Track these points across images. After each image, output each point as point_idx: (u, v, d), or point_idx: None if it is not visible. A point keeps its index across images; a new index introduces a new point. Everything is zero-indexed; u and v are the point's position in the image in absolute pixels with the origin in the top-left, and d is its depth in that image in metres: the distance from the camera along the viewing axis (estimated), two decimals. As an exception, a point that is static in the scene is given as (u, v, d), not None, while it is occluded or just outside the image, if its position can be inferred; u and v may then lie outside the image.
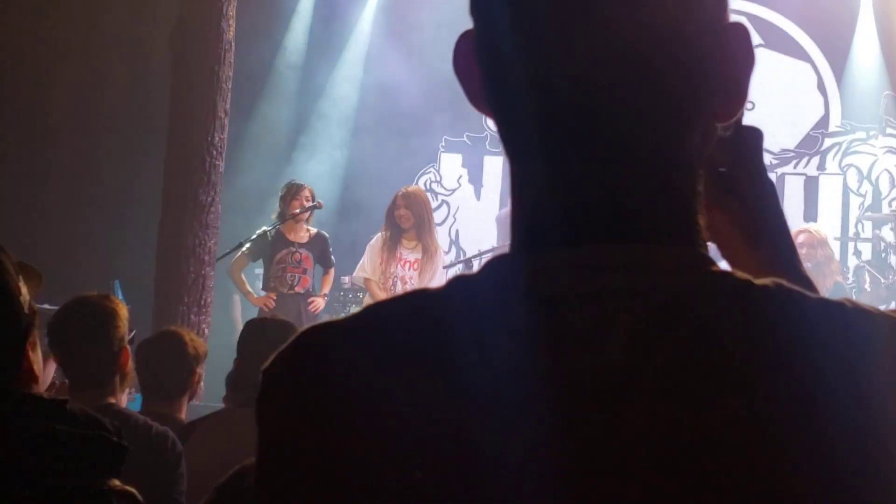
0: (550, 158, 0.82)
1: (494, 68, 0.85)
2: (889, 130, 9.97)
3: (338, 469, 0.77)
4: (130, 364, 3.31)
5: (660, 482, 0.73)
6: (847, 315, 0.80)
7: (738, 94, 0.85)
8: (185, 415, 3.83)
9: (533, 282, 0.79)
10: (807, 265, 2.16)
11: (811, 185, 10.26)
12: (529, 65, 0.82)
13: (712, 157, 0.93)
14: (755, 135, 1.04)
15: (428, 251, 7.72)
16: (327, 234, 8.26)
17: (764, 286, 0.79)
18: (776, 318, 0.78)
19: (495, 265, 0.83)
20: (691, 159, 0.84)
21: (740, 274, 0.81)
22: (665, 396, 0.74)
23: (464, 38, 0.88)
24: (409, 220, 7.69)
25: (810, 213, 10.08)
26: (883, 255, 8.84)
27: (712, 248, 0.93)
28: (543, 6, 0.81)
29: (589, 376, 0.76)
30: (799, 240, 6.86)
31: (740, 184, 1.03)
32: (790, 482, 0.73)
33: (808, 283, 0.98)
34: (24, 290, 1.82)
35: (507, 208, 8.72)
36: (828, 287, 7.34)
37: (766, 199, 1.05)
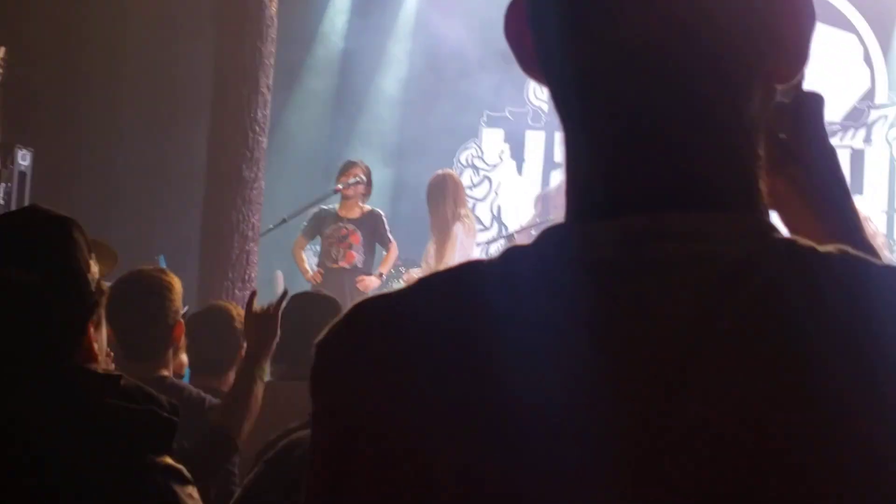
0: (606, 126, 0.80)
1: (545, 34, 0.83)
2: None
3: (395, 442, 0.77)
4: (183, 338, 3.34)
5: (720, 457, 0.71)
6: None
7: (797, 54, 0.83)
8: (232, 388, 3.86)
9: (590, 251, 0.78)
10: None
11: (857, 158, 10.15)
12: (579, 31, 0.80)
13: (773, 123, 0.91)
14: (816, 100, 1.02)
15: (443, 232, 7.74)
16: (382, 213, 8.25)
17: (828, 253, 0.77)
18: (841, 286, 0.76)
19: (551, 235, 0.81)
20: (751, 123, 0.81)
21: (803, 241, 0.78)
22: (730, 368, 0.73)
23: (515, 3, 0.86)
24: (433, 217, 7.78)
25: (856, 186, 9.97)
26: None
27: (774, 217, 0.92)
28: None
29: (651, 346, 0.74)
30: None
31: (802, 150, 1.01)
32: (848, 459, 0.71)
33: (873, 251, 0.95)
34: (94, 268, 1.83)
35: (550, 187, 8.76)
36: None
37: (828, 166, 1.02)
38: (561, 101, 0.84)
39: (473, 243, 7.96)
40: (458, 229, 7.81)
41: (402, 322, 0.81)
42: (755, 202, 0.81)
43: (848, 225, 1.01)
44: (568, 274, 0.78)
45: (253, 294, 3.46)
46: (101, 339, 1.88)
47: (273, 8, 7.43)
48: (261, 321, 3.27)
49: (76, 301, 1.79)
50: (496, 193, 10.84)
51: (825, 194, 1.02)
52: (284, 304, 3.35)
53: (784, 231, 0.93)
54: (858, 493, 0.70)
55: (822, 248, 0.78)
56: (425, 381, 0.77)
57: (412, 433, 0.76)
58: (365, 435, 0.78)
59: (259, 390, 3.17)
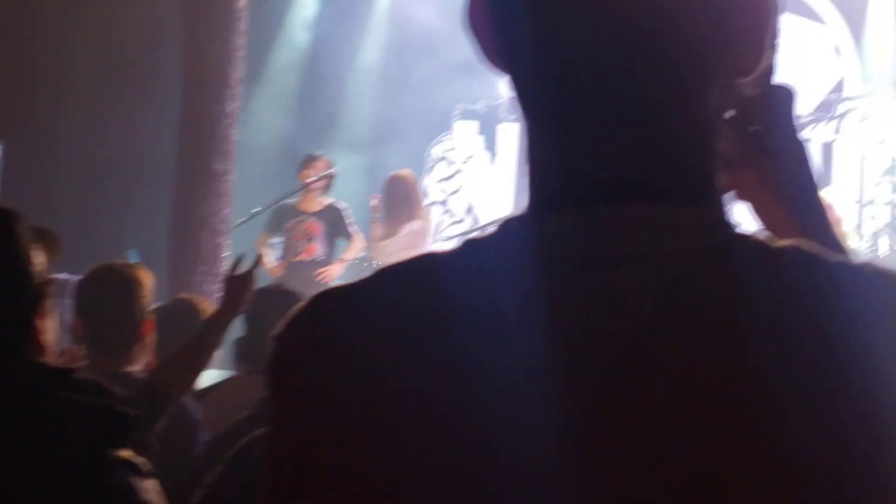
0: (564, 120, 0.80)
1: (504, 26, 0.82)
2: (907, 94, 9.89)
3: (350, 437, 0.76)
4: (151, 334, 3.33)
5: (679, 450, 0.72)
6: (870, 278, 0.78)
7: (754, 48, 0.83)
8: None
9: (548, 243, 0.78)
10: None
11: (828, 150, 10.20)
12: (537, 25, 0.80)
13: (744, 116, 0.93)
14: (786, 93, 1.02)
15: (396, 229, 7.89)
16: (344, 205, 8.24)
17: (783, 248, 0.78)
18: (795, 282, 0.76)
19: (509, 227, 0.81)
20: (708, 118, 0.81)
21: (758, 236, 0.80)
22: (689, 361, 0.73)
23: None
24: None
25: (827, 178, 10.03)
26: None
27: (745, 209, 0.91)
28: None
29: (610, 340, 0.74)
30: None
31: (772, 143, 1.01)
32: (808, 452, 0.71)
33: (838, 245, 0.97)
34: (39, 258, 1.81)
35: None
36: None
37: (797, 159, 1.03)
38: (520, 93, 0.83)
39: (427, 243, 7.98)
40: (413, 225, 7.88)
41: (361, 314, 0.80)
42: (712, 196, 0.81)
43: (815, 217, 1.02)
44: (526, 266, 0.77)
45: (241, 257, 3.51)
46: (49, 330, 1.86)
47: (242, 0, 7.39)
48: (234, 283, 3.33)
49: (20, 295, 1.77)
50: (469, 186, 10.84)
51: (794, 187, 1.02)
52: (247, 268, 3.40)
53: (753, 225, 0.95)
54: (806, 486, 0.71)
55: (779, 244, 0.78)
56: (378, 376, 0.77)
57: (369, 428, 0.75)
58: (319, 431, 0.77)
59: (207, 351, 3.23)
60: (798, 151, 1.03)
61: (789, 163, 1.02)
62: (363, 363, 0.77)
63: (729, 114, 0.88)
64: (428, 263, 0.82)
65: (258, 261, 3.50)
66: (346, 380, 0.77)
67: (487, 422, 0.74)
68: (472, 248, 0.81)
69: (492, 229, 0.82)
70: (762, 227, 1.01)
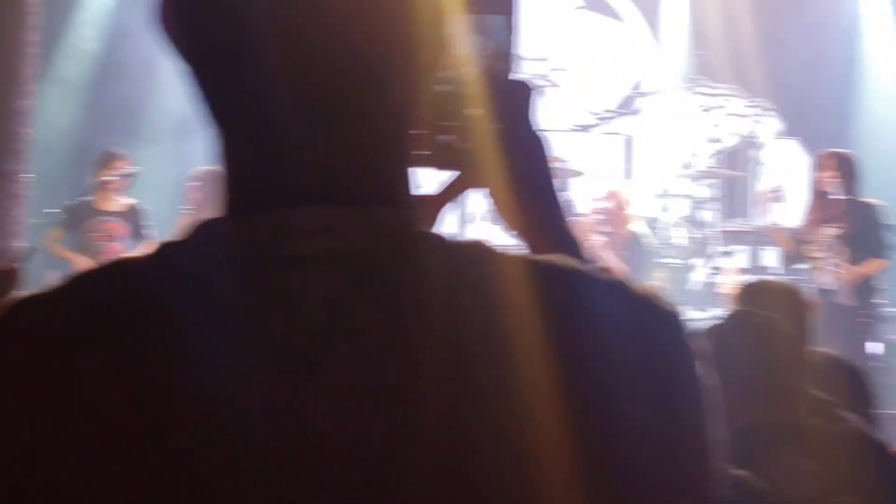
0: (247, 126, 0.80)
1: (191, 29, 0.81)
2: (702, 89, 10.25)
3: (33, 450, 0.74)
4: None
5: (346, 462, 0.72)
6: (575, 283, 0.80)
7: (433, 43, 0.83)
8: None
9: (236, 244, 0.78)
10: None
11: (629, 144, 10.50)
12: (222, 30, 0.79)
13: (489, 112, 0.96)
14: (524, 89, 1.02)
15: None
16: (143, 207, 8.08)
17: (463, 245, 0.80)
18: (476, 278, 0.78)
19: (204, 229, 0.81)
20: (395, 115, 0.82)
21: (440, 235, 0.81)
22: (353, 369, 0.74)
23: None
24: None
25: (629, 172, 10.33)
26: (697, 210, 9.11)
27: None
28: None
29: (285, 340, 0.75)
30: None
31: (509, 139, 1.01)
32: (484, 473, 0.73)
33: (573, 244, 0.99)
34: None
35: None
36: (623, 236, 7.66)
37: (534, 156, 1.03)
38: (207, 96, 0.83)
39: None
40: None
41: (56, 322, 0.79)
42: (398, 196, 0.82)
43: (552, 213, 1.03)
44: (218, 267, 0.78)
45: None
46: None
47: (33, -7, 7.15)
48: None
49: None
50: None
51: (531, 183, 1.03)
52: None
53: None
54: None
55: (457, 241, 0.80)
56: (81, 383, 0.75)
57: (50, 440, 0.74)
58: (32, 446, 0.75)
59: None
60: (535, 148, 1.03)
61: (525, 160, 1.02)
62: (58, 376, 0.76)
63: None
64: (121, 268, 0.82)
65: (26, 257, 3.44)
66: (42, 394, 0.75)
67: (183, 426, 0.73)
68: (166, 252, 0.81)
69: (186, 233, 0.81)
70: (505, 223, 1.02)
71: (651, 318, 0.81)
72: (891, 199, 7.80)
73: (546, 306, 0.77)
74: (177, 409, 0.74)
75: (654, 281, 7.76)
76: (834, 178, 6.96)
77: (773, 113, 10.16)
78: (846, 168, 6.99)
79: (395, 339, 0.75)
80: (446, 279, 0.77)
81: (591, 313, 0.78)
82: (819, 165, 7.16)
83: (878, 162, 9.48)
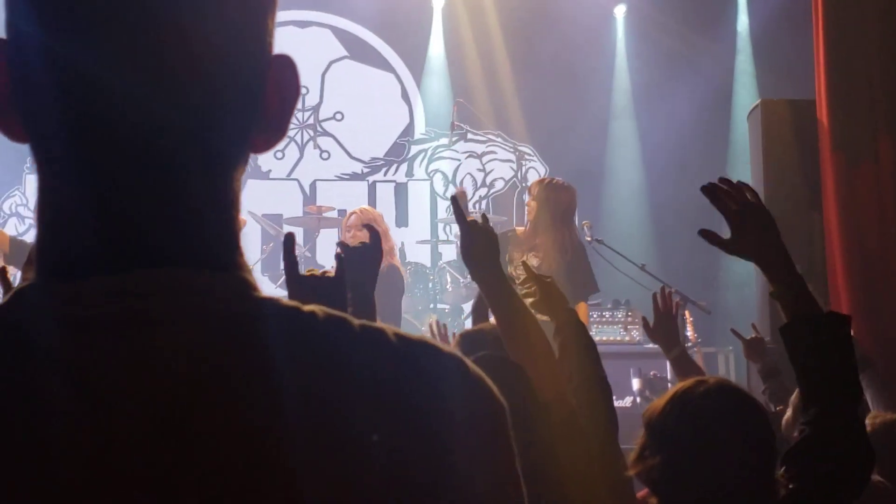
0: (84, 178, 0.78)
1: (23, 74, 0.79)
2: (469, 136, 10.46)
3: None
4: None
5: None
6: (393, 348, 0.81)
7: (279, 127, 0.85)
8: None
9: (70, 310, 0.75)
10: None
11: (401, 191, 10.61)
12: (70, 93, 0.77)
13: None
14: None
15: None
16: None
17: (311, 313, 0.81)
18: (321, 347, 0.79)
19: (28, 294, 0.78)
20: (233, 190, 0.82)
21: (286, 301, 0.81)
22: (219, 431, 0.73)
23: None
24: None
25: (402, 219, 10.43)
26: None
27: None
28: (73, 16, 0.76)
29: (144, 402, 0.73)
30: (351, 220, 7.12)
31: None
32: None
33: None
34: None
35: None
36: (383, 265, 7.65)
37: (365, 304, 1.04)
38: (37, 148, 0.81)
39: None
40: None
41: None
42: (237, 259, 0.82)
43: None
44: (55, 333, 0.75)
45: None
46: None
47: None
48: None
49: None
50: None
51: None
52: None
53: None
54: None
55: (306, 308, 0.81)
56: None
57: None
58: None
59: None
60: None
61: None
62: None
63: None
64: None
65: None
66: None
67: (14, 490, 0.71)
68: None
69: (5, 297, 0.78)
70: None
71: (417, 364, 0.82)
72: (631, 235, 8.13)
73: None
74: (21, 480, 0.71)
75: (423, 325, 7.83)
76: (530, 205, 6.78)
77: (534, 157, 10.45)
78: (541, 194, 6.68)
79: (250, 405, 0.75)
80: (293, 346, 0.78)
81: (347, 363, 0.79)
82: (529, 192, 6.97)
83: (622, 195, 9.93)
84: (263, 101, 0.84)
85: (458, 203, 2.95)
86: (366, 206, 7.61)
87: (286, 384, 0.76)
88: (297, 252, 2.33)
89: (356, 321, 0.83)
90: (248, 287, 0.81)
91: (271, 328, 0.79)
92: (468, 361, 0.84)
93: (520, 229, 6.89)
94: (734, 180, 2.42)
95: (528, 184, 9.19)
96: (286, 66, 0.85)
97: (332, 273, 2.48)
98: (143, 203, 0.78)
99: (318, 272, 2.63)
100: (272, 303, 0.81)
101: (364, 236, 4.87)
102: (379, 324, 0.84)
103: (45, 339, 0.75)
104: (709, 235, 2.37)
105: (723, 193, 2.38)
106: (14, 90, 0.81)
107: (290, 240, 2.40)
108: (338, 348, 0.79)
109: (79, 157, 0.78)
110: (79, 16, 0.76)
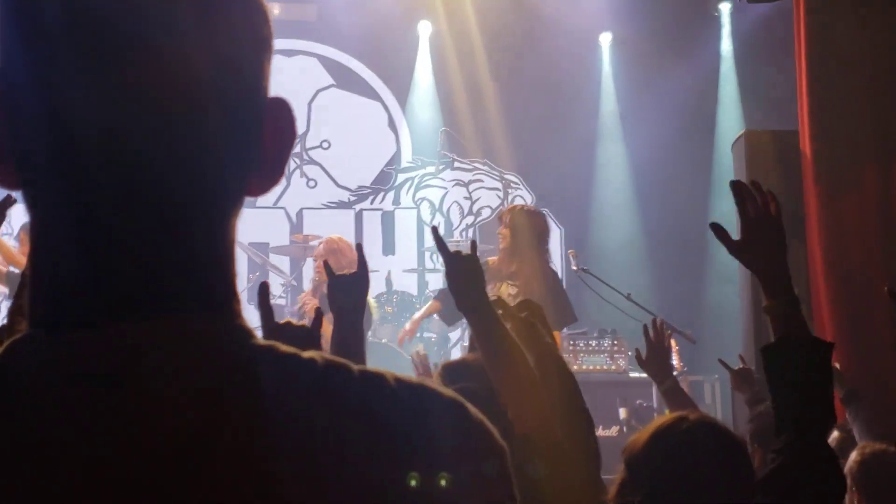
0: (79, 224, 0.77)
1: (15, 113, 0.78)
2: (456, 164, 10.48)
3: None
4: None
5: None
6: (393, 393, 0.81)
7: (275, 170, 0.85)
8: None
9: (65, 365, 0.75)
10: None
11: (388, 220, 10.61)
12: (51, 114, 0.76)
13: None
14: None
15: None
16: None
17: (310, 359, 0.81)
18: (322, 393, 0.79)
19: (21, 347, 0.76)
20: (230, 234, 0.82)
21: (285, 348, 0.81)
22: (223, 479, 0.73)
23: None
24: None
25: (388, 247, 10.42)
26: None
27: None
28: (66, 56, 0.76)
29: (149, 455, 0.72)
30: (318, 249, 7.10)
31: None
32: None
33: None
34: None
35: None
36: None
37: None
38: (31, 190, 0.80)
39: None
40: None
41: None
42: (236, 308, 0.82)
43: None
44: (53, 387, 0.74)
45: None
46: None
47: None
48: None
49: None
50: None
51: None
52: None
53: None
54: None
55: (305, 355, 0.81)
56: None
57: None
58: None
59: None
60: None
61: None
62: None
63: None
64: None
65: None
66: None
67: None
68: None
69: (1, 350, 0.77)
70: None
71: (382, 398, 0.82)
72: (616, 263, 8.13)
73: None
74: None
75: (409, 354, 7.82)
76: (502, 233, 6.70)
77: (520, 186, 10.47)
78: (515, 220, 6.61)
79: (254, 452, 0.74)
80: (293, 392, 0.78)
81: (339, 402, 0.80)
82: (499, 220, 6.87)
83: (608, 222, 9.95)
84: (261, 143, 0.84)
85: (438, 234, 2.95)
86: (335, 235, 7.55)
87: (289, 430, 0.76)
88: (284, 281, 2.34)
89: (355, 367, 0.83)
90: (247, 335, 0.81)
91: (272, 375, 0.78)
92: (468, 405, 0.84)
93: (492, 259, 6.81)
94: (765, 190, 2.38)
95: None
96: (283, 109, 0.86)
97: (307, 324, 2.48)
98: (137, 249, 0.78)
99: (294, 322, 2.63)
100: (271, 350, 0.81)
101: (334, 263, 4.88)
102: (378, 369, 0.84)
103: (39, 396, 0.74)
104: (719, 231, 2.35)
105: (748, 195, 2.36)
106: (6, 135, 0.81)
107: (264, 290, 2.37)
108: (339, 394, 0.79)
109: (70, 202, 0.78)
110: (71, 59, 0.76)
